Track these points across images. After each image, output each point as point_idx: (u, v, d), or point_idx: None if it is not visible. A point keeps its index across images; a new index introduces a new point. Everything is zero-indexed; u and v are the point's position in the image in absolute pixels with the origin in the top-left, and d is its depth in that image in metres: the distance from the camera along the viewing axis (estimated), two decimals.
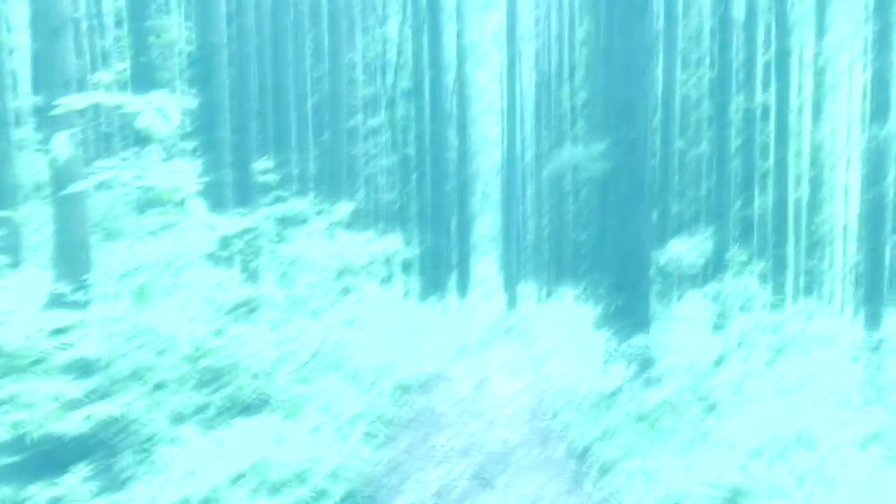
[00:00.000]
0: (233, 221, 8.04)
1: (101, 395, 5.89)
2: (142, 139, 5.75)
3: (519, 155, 34.35)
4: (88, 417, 5.56)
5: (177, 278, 6.62)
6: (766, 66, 20.20)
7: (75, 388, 5.83)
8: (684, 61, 21.83)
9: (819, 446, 6.87)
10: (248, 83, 12.73)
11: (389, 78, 27.89)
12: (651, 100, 9.57)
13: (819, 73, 22.78)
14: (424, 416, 9.69)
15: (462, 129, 31.44)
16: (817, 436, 7.25)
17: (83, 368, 6.07)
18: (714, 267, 14.86)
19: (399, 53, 27.68)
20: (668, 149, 18.80)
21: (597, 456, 7.20)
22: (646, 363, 9.22)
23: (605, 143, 11.88)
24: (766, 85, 20.35)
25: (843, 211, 27.58)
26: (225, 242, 8.29)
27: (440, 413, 9.89)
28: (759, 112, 19.23)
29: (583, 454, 7.54)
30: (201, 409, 5.90)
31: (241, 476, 5.16)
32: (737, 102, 19.25)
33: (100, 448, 5.60)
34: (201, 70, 10.88)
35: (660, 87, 18.17)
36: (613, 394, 8.74)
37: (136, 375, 5.99)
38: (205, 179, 6.59)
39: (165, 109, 5.40)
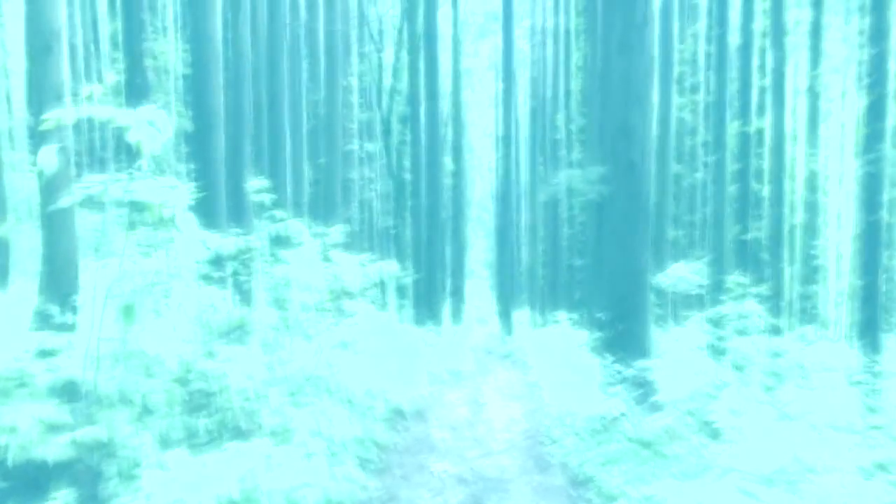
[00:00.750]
0: (226, 240, 7.90)
1: (87, 418, 5.70)
2: (133, 155, 5.60)
3: (514, 181, 34.38)
4: (73, 441, 5.36)
5: (167, 298, 6.45)
6: (762, 92, 20.24)
7: (61, 411, 5.63)
8: (680, 86, 21.88)
9: (825, 475, 6.69)
10: (243, 106, 12.64)
11: (385, 104, 27.95)
12: (649, 121, 9.51)
13: (814, 99, 22.87)
14: (420, 441, 9.47)
15: (457, 155, 31.47)
16: (823, 464, 7.08)
17: (69, 391, 5.88)
18: (712, 292, 14.72)
19: (395, 80, 27.76)
20: (664, 173, 18.75)
21: (599, 483, 7.00)
22: (647, 389, 9.04)
23: (602, 167, 11.81)
24: (761, 110, 20.37)
25: (837, 236, 27.60)
26: (218, 262, 8.13)
27: (437, 439, 9.67)
28: (755, 137, 19.23)
29: (584, 482, 7.33)
30: (190, 433, 5.70)
31: (231, 503, 4.95)
32: (733, 127, 19.26)
33: (84, 473, 5.39)
34: (196, 91, 10.79)
35: (655, 111, 18.17)
36: (614, 420, 8.55)
37: (123, 398, 5.80)
38: (198, 196, 6.46)
39: (156, 124, 5.26)
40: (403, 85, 26.97)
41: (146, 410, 5.78)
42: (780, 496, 5.95)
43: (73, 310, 6.65)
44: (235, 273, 8.62)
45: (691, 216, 22.63)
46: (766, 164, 19.79)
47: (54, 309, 6.53)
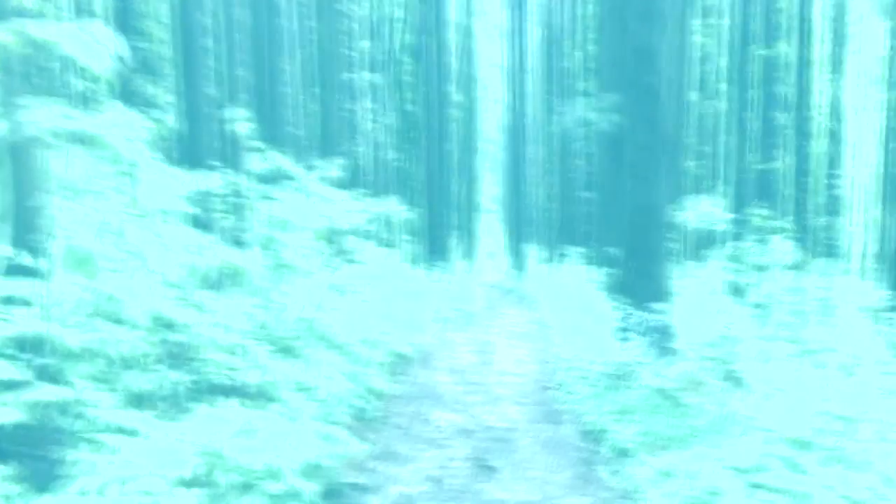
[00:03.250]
0: (208, 178, 7.26)
1: (49, 375, 5.13)
2: (87, 80, 4.91)
3: (525, 113, 33.35)
4: (30, 401, 4.80)
5: (136, 241, 5.83)
6: (786, 15, 19.10)
7: (17, 368, 5.06)
8: (697, 8, 20.69)
9: (861, 430, 6.12)
10: (233, 31, 11.82)
11: (392, 33, 26.85)
12: (671, 42, 8.67)
13: (836, 23, 21.70)
14: (423, 389, 8.97)
15: (466, 87, 30.44)
16: (858, 415, 6.51)
17: (28, 345, 5.30)
18: (732, 227, 14.01)
19: (400, 7, 26.61)
20: (681, 101, 17.82)
21: (614, 438, 6.45)
22: (664, 333, 8.45)
23: (618, 94, 10.99)
24: (786, 34, 19.25)
25: (857, 167, 26.63)
26: (199, 201, 7.49)
27: (440, 386, 9.17)
28: (779, 63, 18.19)
29: (598, 435, 6.79)
30: (164, 391, 5.16)
31: (202, 472, 4.42)
32: (754, 52, 18.22)
33: (42, 437, 4.85)
34: (174, 12, 10.00)
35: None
36: (629, 366, 7.97)
37: (89, 353, 5.23)
38: (178, 130, 5.78)
39: (105, 41, 4.55)
40: (410, 13, 25.90)
41: (114, 366, 5.23)
42: (813, 456, 5.37)
43: (39, 255, 6.02)
44: (216, 212, 7.98)
45: (709, 147, 21.70)
46: (790, 91, 18.79)
47: (24, 256, 5.89)
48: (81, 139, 5.09)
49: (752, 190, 17.24)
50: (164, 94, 10.99)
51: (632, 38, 8.77)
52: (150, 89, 10.42)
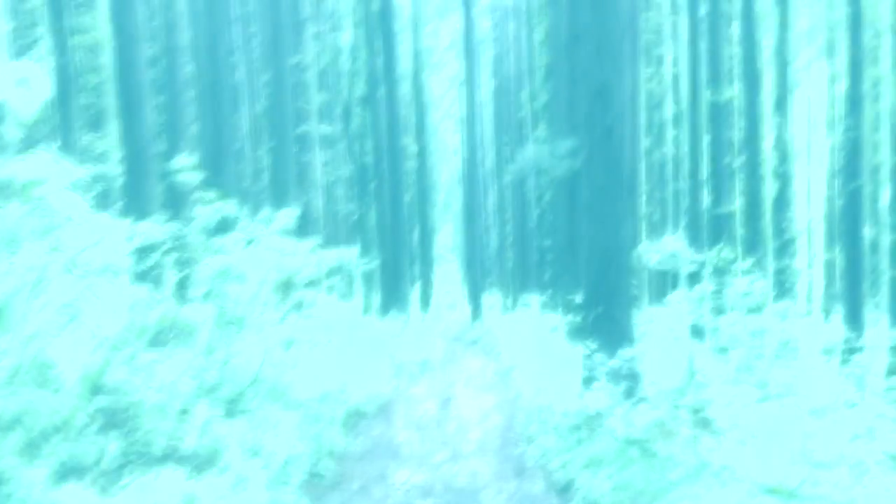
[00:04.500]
0: (147, 228, 6.87)
1: None
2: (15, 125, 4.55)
3: (479, 162, 33.47)
4: None
5: (69, 297, 5.40)
6: (733, 61, 19.49)
7: None
8: (646, 57, 21.04)
9: (841, 471, 5.91)
10: (176, 79, 11.52)
11: (344, 86, 26.84)
12: (626, 83, 8.61)
13: (782, 68, 22.23)
14: (382, 446, 8.54)
15: (420, 137, 30.50)
16: (834, 459, 6.30)
17: None
18: (693, 269, 13.95)
19: (353, 61, 26.66)
20: (635, 147, 17.90)
21: (585, 492, 6.12)
22: (631, 379, 8.19)
23: (572, 139, 10.93)
24: (731, 80, 19.62)
25: (808, 208, 27.09)
26: (142, 254, 7.08)
27: (400, 442, 8.75)
28: (727, 107, 18.50)
29: (566, 489, 6.45)
30: (95, 462, 4.69)
31: None
32: (703, 98, 18.50)
33: None
34: (119, 64, 9.68)
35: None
36: (597, 415, 7.68)
37: (11, 422, 4.75)
38: (108, 179, 5.42)
39: (31, 81, 4.21)
40: (361, 66, 25.95)
41: (41, 435, 4.75)
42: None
43: None
44: (165, 266, 7.57)
45: (662, 192, 21.89)
46: (739, 135, 19.09)
47: None
48: (7, 188, 4.71)
49: (707, 233, 17.32)
50: (106, 145, 10.62)
51: (588, 79, 8.69)
52: (91, 140, 10.05)
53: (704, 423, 7.32)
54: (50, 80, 5.08)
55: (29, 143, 5.26)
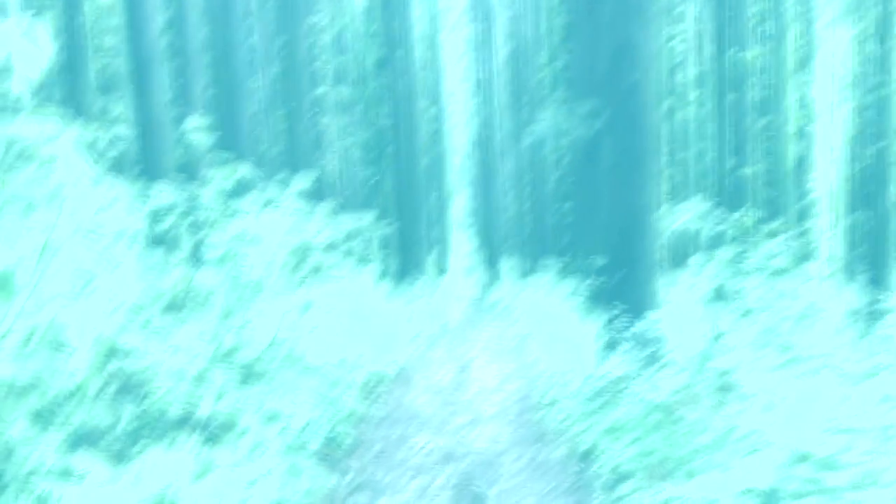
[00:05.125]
0: (161, 191, 6.74)
1: None
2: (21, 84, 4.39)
3: (497, 126, 33.10)
4: None
5: (83, 261, 5.28)
6: (755, 19, 18.98)
7: None
8: (668, 14, 20.52)
9: (872, 437, 5.73)
10: (189, 46, 11.33)
11: (360, 49, 26.50)
12: (652, 36, 8.32)
13: (806, 26, 21.65)
14: (401, 410, 8.47)
15: (437, 101, 30.17)
16: (865, 425, 6.12)
17: None
18: (716, 231, 13.70)
19: (369, 23, 26.30)
20: (657, 108, 17.52)
21: (610, 458, 5.99)
22: (655, 343, 8.03)
23: (593, 100, 10.63)
24: (755, 39, 19.13)
25: (831, 168, 26.59)
26: (157, 217, 6.97)
27: (419, 406, 8.68)
28: (751, 67, 18.05)
29: (588, 454, 6.33)
30: (108, 429, 4.61)
31: None
32: (727, 57, 18.06)
33: None
34: (130, 27, 9.48)
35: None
36: (620, 380, 7.54)
37: (24, 388, 4.67)
38: (122, 142, 5.29)
39: (36, 39, 4.05)
40: (378, 28, 25.62)
41: (54, 401, 4.67)
42: (824, 470, 4.95)
43: None
44: (181, 230, 7.44)
45: (684, 153, 21.49)
46: (763, 95, 18.65)
47: None
48: (14, 147, 4.57)
49: (730, 195, 17.01)
50: (121, 108, 10.47)
51: (611, 37, 8.41)
52: (106, 103, 9.91)
53: (730, 388, 7.16)
54: (59, 39, 4.93)
55: (39, 102, 5.11)
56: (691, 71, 21.05)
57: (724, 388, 7.21)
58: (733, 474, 4.78)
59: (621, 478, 5.61)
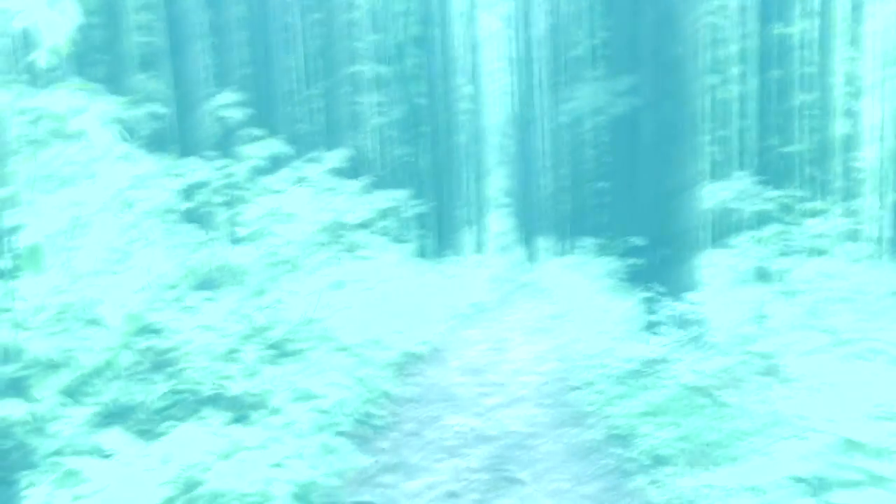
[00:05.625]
0: (194, 167, 6.68)
1: (9, 388, 4.56)
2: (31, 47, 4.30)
3: (534, 103, 32.69)
4: None
5: (115, 237, 5.25)
6: None
7: None
8: None
9: None
10: (227, 23, 11.28)
11: (398, 25, 26.27)
12: (694, 7, 8.00)
13: (855, 1, 20.94)
14: (435, 389, 8.38)
15: (474, 78, 29.88)
16: None
17: None
18: (759, 209, 13.35)
19: (405, 1, 26.05)
20: (698, 83, 17.11)
21: (648, 442, 5.83)
22: (696, 325, 7.81)
23: (633, 76, 10.36)
24: (801, 13, 18.53)
25: (879, 147, 25.86)
26: (190, 193, 6.91)
27: (454, 385, 8.58)
28: (797, 42, 17.49)
29: (630, 440, 6.17)
30: (137, 406, 4.58)
31: (183, 500, 3.85)
32: (771, 31, 17.52)
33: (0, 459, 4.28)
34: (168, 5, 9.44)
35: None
36: (659, 361, 7.35)
37: (57, 362, 4.65)
38: (156, 117, 5.22)
39: (61, 7, 3.96)
40: (414, 5, 25.37)
41: (86, 377, 4.65)
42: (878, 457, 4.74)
43: (10, 254, 5.44)
44: (214, 206, 7.39)
45: (726, 130, 20.99)
46: (809, 71, 18.08)
47: None
48: (48, 124, 4.51)
49: (773, 173, 16.57)
50: (157, 85, 10.45)
51: (652, 9, 8.13)
52: (142, 80, 9.89)
53: (774, 371, 6.93)
54: (96, 15, 4.89)
55: (69, 75, 5.06)
56: (733, 46, 20.51)
57: (769, 371, 6.98)
58: (777, 460, 4.59)
59: (660, 462, 5.45)
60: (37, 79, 4.20)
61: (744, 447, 5.08)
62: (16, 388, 4.54)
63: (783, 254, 11.80)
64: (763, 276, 11.17)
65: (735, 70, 20.57)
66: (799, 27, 17.45)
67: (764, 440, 5.22)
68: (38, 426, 4.22)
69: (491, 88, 37.45)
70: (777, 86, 17.47)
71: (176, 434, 4.15)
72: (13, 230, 4.64)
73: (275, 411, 4.98)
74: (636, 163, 11.73)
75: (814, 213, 15.28)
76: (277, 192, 7.96)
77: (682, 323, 7.82)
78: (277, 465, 4.23)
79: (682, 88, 7.99)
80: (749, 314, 8.39)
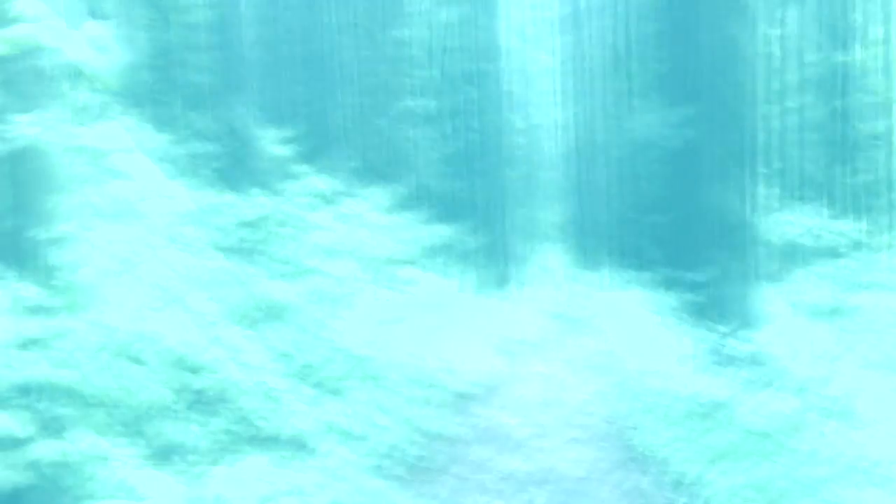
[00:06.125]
0: (242, 202, 6.65)
1: (56, 428, 4.50)
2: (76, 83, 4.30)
3: (591, 137, 32.51)
4: (26, 461, 4.16)
5: (164, 274, 5.20)
6: (863, 18, 17.86)
7: (21, 420, 4.45)
8: (768, 17, 19.60)
9: None
10: (278, 57, 11.38)
11: (450, 61, 26.43)
12: (754, 35, 7.75)
13: None
14: (484, 429, 8.10)
15: (526, 112, 29.84)
16: None
17: (38, 393, 4.68)
18: (827, 243, 12.82)
19: (459, 36, 26.22)
20: (758, 114, 16.74)
21: (713, 489, 5.48)
22: (759, 364, 7.42)
23: (689, 107, 10.11)
24: (863, 40, 18.00)
25: None
26: (236, 228, 6.87)
27: (503, 425, 8.29)
28: (859, 69, 16.98)
29: (692, 487, 5.82)
30: (188, 445, 4.45)
31: None
32: (833, 60, 17.05)
33: (45, 501, 4.20)
34: (220, 42, 9.53)
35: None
36: (720, 404, 6.98)
37: (104, 400, 4.58)
38: (219, 153, 5.21)
39: (104, 45, 3.94)
40: (467, 41, 25.53)
41: (128, 417, 4.56)
42: None
43: (56, 290, 5.44)
44: (261, 242, 7.33)
45: (787, 161, 20.44)
46: (873, 99, 17.52)
47: (31, 289, 5.31)
48: (97, 161, 4.50)
49: (840, 206, 15.98)
50: (207, 122, 10.56)
51: (710, 40, 7.88)
52: (193, 118, 10.00)
53: (846, 415, 6.51)
54: (148, 54, 4.90)
55: (118, 112, 5.06)
56: (793, 76, 20.06)
57: (840, 415, 6.57)
58: None
59: None
60: (86, 116, 4.18)
61: (820, 496, 4.72)
62: (62, 427, 4.47)
63: (853, 289, 11.27)
64: (833, 312, 10.66)
65: (796, 100, 20.11)
66: (861, 56, 16.95)
67: (837, 489, 4.86)
68: (82, 467, 4.13)
69: (545, 122, 37.39)
70: (841, 116, 16.96)
71: (222, 475, 4.01)
72: (62, 267, 4.62)
73: (321, 454, 4.81)
74: (693, 196, 11.42)
75: (884, 247, 14.66)
76: (326, 228, 7.91)
77: (747, 362, 7.44)
78: None
79: (742, 119, 7.71)
80: (819, 353, 7.96)
